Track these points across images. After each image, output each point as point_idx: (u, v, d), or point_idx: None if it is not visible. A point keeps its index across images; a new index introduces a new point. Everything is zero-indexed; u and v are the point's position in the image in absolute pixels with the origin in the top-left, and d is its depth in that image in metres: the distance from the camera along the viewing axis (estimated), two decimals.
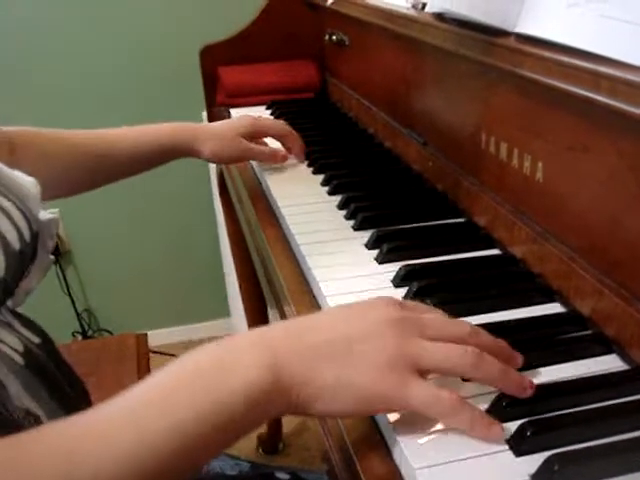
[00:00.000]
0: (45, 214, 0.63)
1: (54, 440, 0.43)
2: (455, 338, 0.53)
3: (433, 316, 0.55)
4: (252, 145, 1.11)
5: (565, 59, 0.63)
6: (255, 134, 1.12)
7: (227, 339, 0.50)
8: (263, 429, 1.94)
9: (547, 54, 0.66)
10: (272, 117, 1.42)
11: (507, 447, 0.50)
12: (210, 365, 0.48)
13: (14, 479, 0.40)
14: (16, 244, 0.57)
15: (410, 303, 0.58)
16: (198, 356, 0.49)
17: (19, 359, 0.58)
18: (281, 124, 1.17)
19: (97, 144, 1.00)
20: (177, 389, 0.46)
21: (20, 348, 0.59)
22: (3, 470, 0.40)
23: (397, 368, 0.50)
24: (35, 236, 0.61)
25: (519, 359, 0.56)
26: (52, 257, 0.66)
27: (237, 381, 0.47)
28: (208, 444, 0.46)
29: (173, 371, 0.48)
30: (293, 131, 1.16)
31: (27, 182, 0.62)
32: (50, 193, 0.94)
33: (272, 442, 1.96)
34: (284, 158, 1.14)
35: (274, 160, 1.13)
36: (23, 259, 0.59)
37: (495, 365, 0.52)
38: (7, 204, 0.58)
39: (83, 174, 0.99)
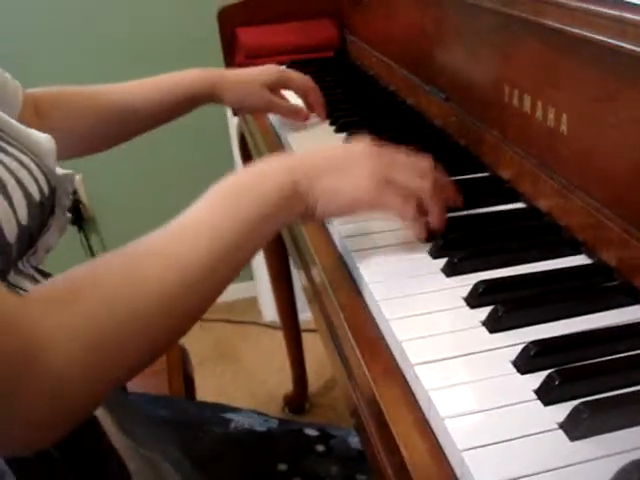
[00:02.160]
0: (60, 170, 0.64)
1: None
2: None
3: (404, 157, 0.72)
4: (276, 99, 1.11)
5: (590, 7, 0.62)
6: (280, 85, 1.12)
7: (255, 166, 0.68)
8: (289, 389, 1.96)
9: (571, 2, 0.65)
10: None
11: (535, 396, 0.51)
12: (248, 180, 0.65)
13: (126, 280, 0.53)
14: (37, 195, 0.59)
15: (387, 145, 0.73)
16: (237, 176, 0.66)
17: None
18: (306, 78, 1.16)
19: (120, 97, 1.00)
20: (230, 198, 0.62)
21: None
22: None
23: (377, 181, 0.67)
24: (53, 191, 0.62)
25: (458, 200, 0.77)
26: (69, 215, 0.67)
27: (269, 187, 0.64)
28: (254, 234, 0.62)
29: (219, 191, 0.63)
30: (317, 87, 1.16)
31: (42, 138, 0.63)
32: (78, 150, 0.95)
33: (298, 402, 1.97)
34: (306, 117, 1.14)
35: (296, 117, 1.13)
36: (44, 211, 0.61)
37: (440, 201, 0.72)
38: (25, 158, 0.59)
39: (109, 129, 1.00)
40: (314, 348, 1.94)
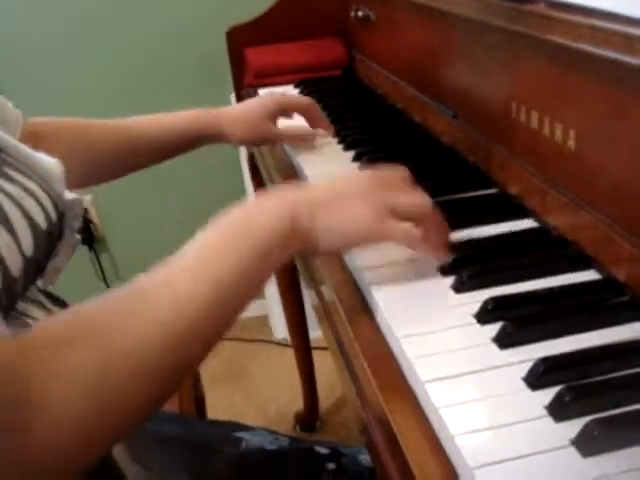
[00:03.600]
0: (69, 194, 0.64)
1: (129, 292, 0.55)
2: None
3: (405, 186, 0.71)
4: (280, 130, 1.11)
5: (596, 23, 0.62)
6: (279, 112, 1.13)
7: (253, 201, 0.68)
8: (300, 407, 1.96)
9: (577, 18, 0.65)
10: (298, 93, 1.42)
11: (546, 413, 0.51)
12: (245, 217, 0.64)
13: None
14: (43, 224, 0.59)
15: (385, 173, 0.71)
16: (233, 213, 0.63)
17: None
18: (307, 99, 1.17)
19: (124, 134, 1.01)
20: (226, 234, 0.61)
21: None
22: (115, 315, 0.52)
23: (379, 212, 0.66)
24: (61, 216, 0.62)
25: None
26: (79, 236, 0.67)
27: (267, 224, 0.62)
28: (251, 275, 0.60)
29: (218, 226, 0.62)
30: (313, 102, 1.17)
31: (50, 163, 0.64)
32: (79, 182, 0.95)
33: (309, 420, 1.97)
34: (312, 140, 1.14)
35: (304, 141, 1.13)
36: (51, 239, 0.61)
37: (442, 223, 0.72)
38: (32, 185, 0.59)
39: (110, 163, 1.00)
40: (325, 366, 1.94)
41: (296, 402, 1.98)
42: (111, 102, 2.04)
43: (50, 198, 0.61)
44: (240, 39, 1.57)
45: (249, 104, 1.13)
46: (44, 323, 0.56)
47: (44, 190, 0.61)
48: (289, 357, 1.99)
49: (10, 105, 0.81)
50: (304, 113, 1.16)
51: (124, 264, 2.35)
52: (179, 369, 0.55)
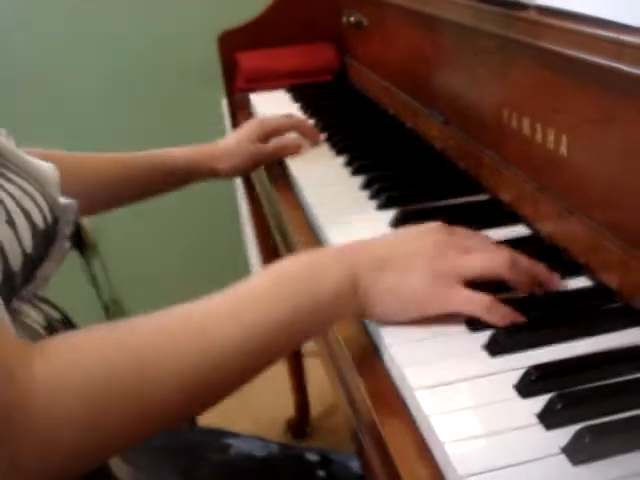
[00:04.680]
0: (63, 199, 0.64)
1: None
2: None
3: (477, 240, 0.66)
4: (264, 146, 1.12)
5: (587, 29, 0.62)
6: (266, 135, 1.13)
7: (312, 253, 0.63)
8: (290, 414, 1.95)
9: (568, 25, 0.65)
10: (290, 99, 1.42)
11: (537, 421, 0.50)
12: (299, 273, 0.59)
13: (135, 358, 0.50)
14: (41, 224, 0.59)
15: (457, 229, 0.67)
16: (288, 266, 0.60)
17: (42, 331, 0.60)
18: (285, 118, 1.17)
19: (120, 167, 1.03)
20: (276, 290, 0.57)
21: (42, 321, 0.62)
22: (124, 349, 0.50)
23: (442, 278, 0.60)
24: (55, 220, 0.63)
25: (555, 279, 0.66)
26: (68, 244, 0.67)
27: (324, 287, 0.58)
28: (297, 332, 0.58)
29: (265, 279, 0.59)
30: (299, 118, 1.18)
31: (46, 168, 0.64)
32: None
33: (300, 426, 1.96)
34: (297, 147, 1.14)
35: (289, 153, 1.13)
36: (46, 240, 0.61)
37: (527, 268, 0.64)
38: (29, 187, 0.59)
39: (105, 196, 1.02)
40: (316, 373, 1.94)
41: (287, 409, 1.98)
42: (102, 104, 2.03)
43: (46, 201, 0.62)
44: (232, 44, 1.57)
45: (233, 135, 1.14)
46: (55, 337, 0.54)
47: (40, 193, 0.61)
48: (280, 364, 1.99)
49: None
50: (293, 129, 1.17)
51: (114, 269, 2.33)
52: (182, 410, 0.55)
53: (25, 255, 0.56)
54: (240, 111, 1.51)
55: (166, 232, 2.30)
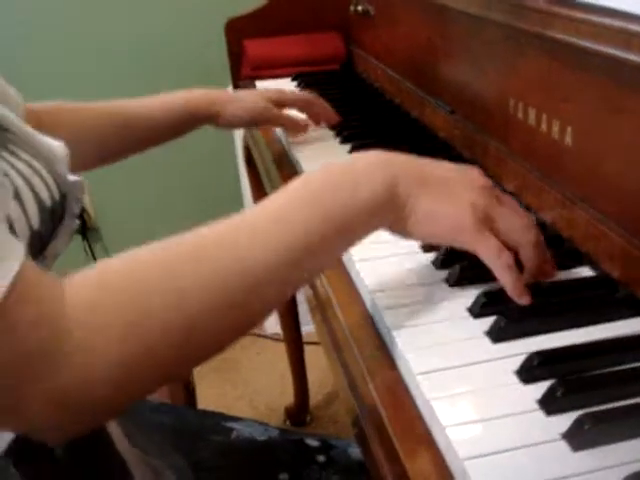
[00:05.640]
0: (71, 176, 0.64)
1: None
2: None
3: (515, 205, 0.64)
4: (274, 108, 1.11)
5: (595, 18, 0.62)
6: (281, 102, 1.12)
7: (347, 161, 0.61)
8: (290, 401, 1.96)
9: (576, 14, 0.65)
10: (297, 89, 1.41)
11: (538, 406, 0.51)
12: (338, 179, 0.58)
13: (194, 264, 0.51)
14: (48, 201, 0.59)
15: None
16: (325, 172, 0.59)
17: None
18: (305, 94, 1.17)
19: (121, 114, 1.00)
20: (318, 193, 0.57)
21: None
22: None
23: (480, 216, 0.59)
24: (63, 197, 0.63)
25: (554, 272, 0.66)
26: (77, 221, 0.67)
27: (363, 189, 0.57)
28: (333, 242, 0.57)
29: (303, 186, 0.58)
30: (318, 97, 1.16)
31: (55, 146, 0.64)
32: (79, 165, 0.95)
33: (299, 414, 1.97)
34: (306, 127, 1.14)
35: (297, 128, 1.13)
36: (54, 217, 0.61)
37: (544, 254, 0.64)
38: (37, 164, 0.60)
39: (109, 145, 1.00)
40: (316, 361, 1.94)
41: (286, 396, 1.98)
42: (109, 90, 2.03)
43: (54, 179, 0.62)
44: (238, 31, 1.56)
45: (253, 89, 1.13)
46: (91, 268, 0.54)
47: (48, 170, 0.61)
48: (280, 351, 1.99)
49: (13, 90, 0.81)
50: (306, 108, 1.16)
51: (116, 252, 2.34)
52: (226, 333, 0.54)
53: (32, 231, 0.56)
54: None
55: (170, 217, 2.31)
